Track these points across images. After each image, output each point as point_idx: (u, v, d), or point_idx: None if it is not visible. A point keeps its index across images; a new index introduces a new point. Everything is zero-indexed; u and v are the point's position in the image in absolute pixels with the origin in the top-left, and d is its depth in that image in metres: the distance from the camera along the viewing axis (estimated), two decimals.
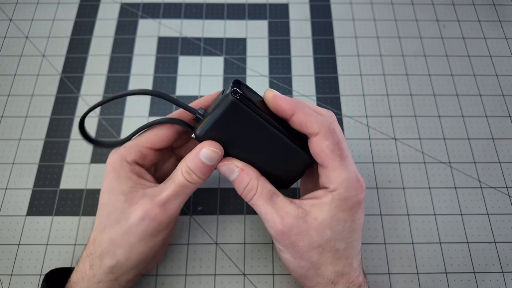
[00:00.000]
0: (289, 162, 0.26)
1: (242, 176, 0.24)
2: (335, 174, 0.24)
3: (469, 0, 0.43)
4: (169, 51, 0.40)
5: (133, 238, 0.24)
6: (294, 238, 0.24)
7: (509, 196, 0.34)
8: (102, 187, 0.25)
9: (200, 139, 0.24)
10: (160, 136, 0.26)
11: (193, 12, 0.42)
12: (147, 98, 0.38)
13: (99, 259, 0.24)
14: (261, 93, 0.26)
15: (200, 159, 0.24)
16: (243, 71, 0.39)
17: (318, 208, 0.24)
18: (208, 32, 0.41)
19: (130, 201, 0.24)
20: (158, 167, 0.29)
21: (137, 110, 0.37)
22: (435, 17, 0.42)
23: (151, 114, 0.37)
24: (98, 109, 0.37)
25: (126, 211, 0.24)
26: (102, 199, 0.25)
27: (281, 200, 0.24)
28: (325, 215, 0.24)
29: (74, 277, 0.25)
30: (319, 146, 0.24)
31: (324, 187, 0.24)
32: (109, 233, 0.24)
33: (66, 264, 0.31)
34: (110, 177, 0.25)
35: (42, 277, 0.30)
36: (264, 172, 0.25)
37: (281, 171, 0.26)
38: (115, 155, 0.25)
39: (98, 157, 0.35)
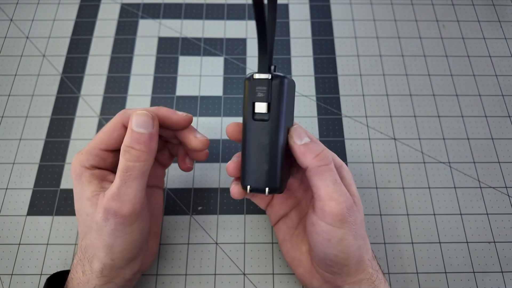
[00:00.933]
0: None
1: (318, 142, 0.24)
2: (333, 153, 0.27)
3: (469, 1, 0.43)
4: (169, 51, 0.40)
5: (108, 239, 0.23)
6: (355, 214, 0.24)
7: (509, 196, 0.34)
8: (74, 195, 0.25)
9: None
10: (113, 137, 0.25)
11: (193, 12, 0.42)
12: (148, 98, 0.38)
13: (89, 264, 0.24)
14: None
15: (133, 129, 0.23)
16: (243, 71, 0.39)
17: (347, 184, 0.25)
18: (208, 32, 0.41)
19: (94, 205, 0.23)
20: None
21: None
22: (435, 17, 0.42)
23: None
24: (98, 109, 0.37)
25: (94, 215, 0.23)
26: (75, 207, 0.25)
27: None
28: (354, 187, 0.26)
29: (70, 284, 0.24)
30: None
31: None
32: (89, 239, 0.24)
33: (66, 264, 0.31)
34: (74, 185, 0.25)
35: (43, 277, 0.30)
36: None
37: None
38: (74, 163, 0.25)
39: None
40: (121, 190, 0.23)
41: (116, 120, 0.25)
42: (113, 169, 0.26)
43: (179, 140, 0.28)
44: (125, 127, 0.25)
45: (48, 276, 0.26)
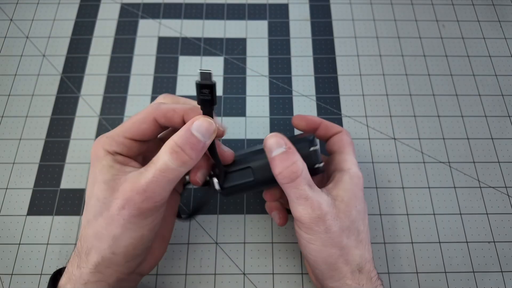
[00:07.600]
0: None
1: (290, 153, 0.23)
2: (350, 157, 0.27)
3: (469, 0, 0.43)
4: (169, 51, 0.40)
5: (116, 230, 0.22)
6: (328, 223, 0.23)
7: (508, 196, 0.34)
8: (88, 180, 0.24)
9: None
10: (141, 129, 0.24)
11: (193, 12, 0.42)
12: (148, 98, 0.38)
13: (85, 256, 0.22)
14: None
15: (192, 132, 0.21)
16: (243, 71, 0.39)
17: (341, 189, 0.25)
18: (208, 32, 0.41)
19: (112, 189, 0.22)
20: (148, 158, 0.26)
21: (137, 110, 0.37)
22: (435, 17, 0.42)
23: None
24: (98, 109, 0.37)
25: (108, 200, 0.22)
26: (87, 192, 0.23)
27: (316, 187, 0.24)
28: (349, 194, 0.25)
29: (62, 280, 0.23)
30: (341, 138, 0.28)
31: (340, 170, 0.27)
32: (93, 227, 0.22)
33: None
34: (92, 167, 0.23)
35: (43, 277, 0.30)
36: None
37: None
38: (97, 146, 0.24)
39: None
40: (149, 186, 0.21)
41: (148, 112, 0.24)
42: (135, 158, 0.25)
43: None
44: (156, 122, 0.24)
45: (51, 275, 0.26)
